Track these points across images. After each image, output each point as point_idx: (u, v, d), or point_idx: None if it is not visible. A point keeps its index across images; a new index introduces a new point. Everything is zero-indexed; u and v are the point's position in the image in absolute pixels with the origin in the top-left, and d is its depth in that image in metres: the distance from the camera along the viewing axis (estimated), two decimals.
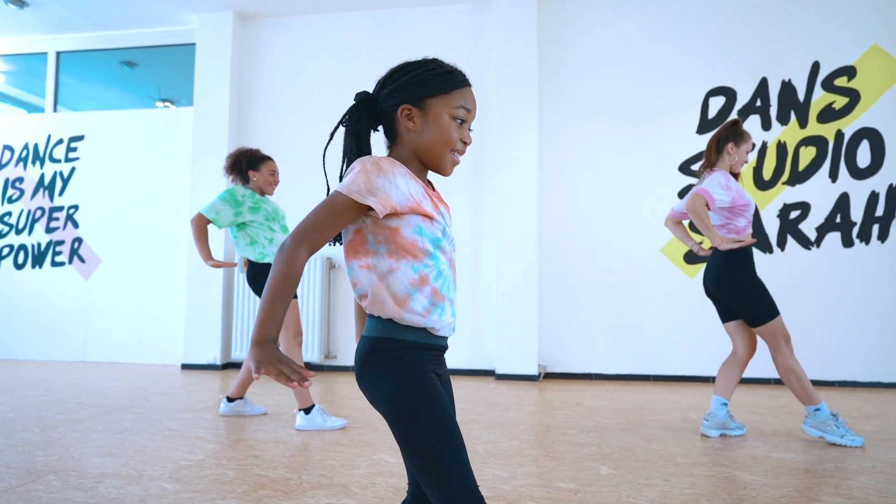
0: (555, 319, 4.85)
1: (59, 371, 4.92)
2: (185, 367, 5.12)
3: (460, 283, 4.96)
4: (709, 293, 3.02)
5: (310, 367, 5.03)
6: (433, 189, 1.21)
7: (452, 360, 4.87)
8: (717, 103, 4.78)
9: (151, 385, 4.26)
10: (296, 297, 3.16)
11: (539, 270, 4.81)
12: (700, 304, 4.30)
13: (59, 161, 5.68)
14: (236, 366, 5.17)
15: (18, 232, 5.70)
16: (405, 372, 1.07)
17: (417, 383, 1.07)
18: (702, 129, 4.75)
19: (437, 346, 1.14)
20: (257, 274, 3.10)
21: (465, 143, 1.17)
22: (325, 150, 1.20)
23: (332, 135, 1.19)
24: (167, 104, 6.09)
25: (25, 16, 5.41)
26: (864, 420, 3.31)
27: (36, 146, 5.74)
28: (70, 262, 5.59)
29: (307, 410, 3.00)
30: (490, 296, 4.90)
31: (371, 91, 1.19)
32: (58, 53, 5.85)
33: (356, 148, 1.16)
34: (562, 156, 4.95)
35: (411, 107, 1.13)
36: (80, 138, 5.66)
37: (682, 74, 4.82)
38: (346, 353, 5.07)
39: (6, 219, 5.74)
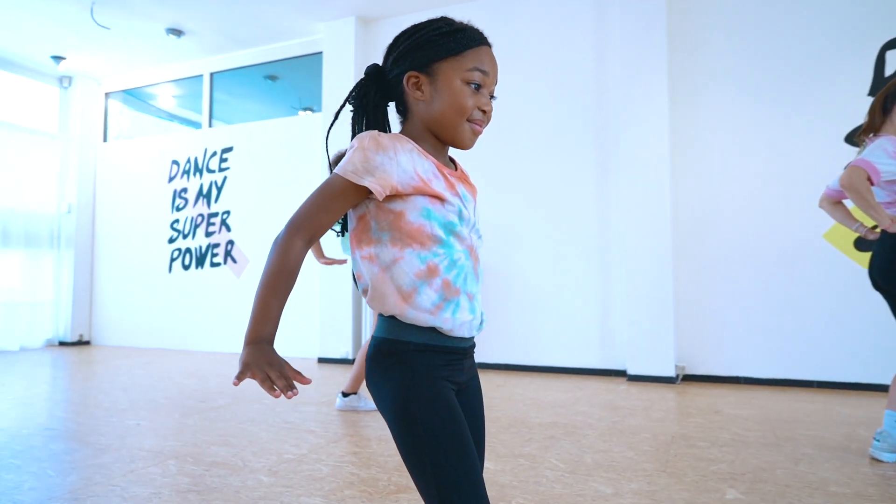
0: (695, 315, 4.37)
1: (215, 362, 5.44)
2: (321, 360, 5.40)
3: (590, 276, 4.67)
4: (876, 284, 2.49)
5: None
6: (455, 168, 1.06)
7: (581, 358, 4.61)
8: None
9: None
10: None
11: (674, 261, 4.36)
12: (876, 298, 3.60)
13: (213, 171, 6.29)
14: None
15: (185, 237, 6.41)
16: (409, 379, 0.94)
17: (421, 392, 0.93)
18: (875, 91, 3.98)
19: (453, 348, 0.99)
20: None
21: (484, 112, 1.01)
22: (327, 134, 1.10)
23: (336, 115, 1.08)
24: (308, 111, 6.47)
25: (183, 44, 6.05)
26: None
27: (196, 159, 6.41)
28: (224, 262, 6.17)
29: None
30: (620, 289, 4.54)
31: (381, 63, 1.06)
32: (211, 74, 6.47)
33: (364, 127, 1.04)
34: (698, 131, 4.43)
35: (418, 73, 0.99)
36: (230, 149, 6.22)
37: (850, 24, 4.08)
38: None
39: (175, 225, 6.48)
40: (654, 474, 2.22)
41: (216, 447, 2.59)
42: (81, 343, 6.83)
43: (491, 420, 3.09)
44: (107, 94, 7.16)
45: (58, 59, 6.39)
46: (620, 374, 4.52)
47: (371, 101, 1.03)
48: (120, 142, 7.06)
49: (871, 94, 3.99)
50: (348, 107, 1.05)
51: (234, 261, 6.12)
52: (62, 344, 6.72)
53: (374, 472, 2.25)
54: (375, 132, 0.95)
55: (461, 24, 1.01)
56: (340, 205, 0.94)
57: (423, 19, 1.04)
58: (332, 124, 1.09)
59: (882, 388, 3.85)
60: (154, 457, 2.45)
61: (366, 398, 3.43)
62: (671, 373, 4.22)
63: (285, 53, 6.08)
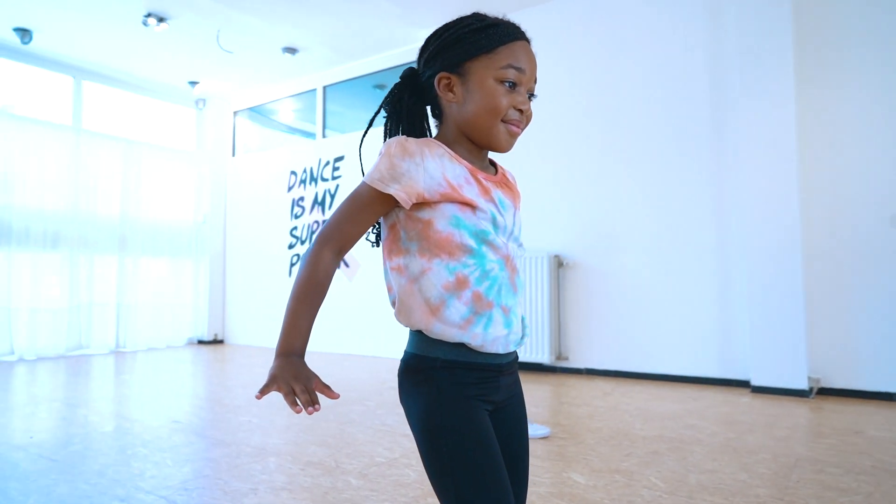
0: (832, 319, 3.89)
1: (327, 362, 5.70)
2: None
3: (707, 276, 4.32)
4: None
5: (540, 368, 4.92)
6: (495, 172, 1.00)
7: (698, 366, 4.28)
8: None
9: (391, 380, 4.63)
10: None
11: (805, 258, 3.91)
12: None
13: (327, 180, 6.61)
14: None
15: (302, 243, 6.79)
16: (436, 398, 0.90)
17: (447, 412, 0.88)
18: None
19: (485, 365, 0.93)
20: None
21: (521, 111, 0.94)
22: (361, 141, 1.08)
23: (370, 122, 1.06)
24: None
25: (297, 61, 6.42)
26: None
27: (311, 169, 6.77)
28: (338, 267, 6.44)
29: None
30: (740, 290, 4.15)
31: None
32: (324, 87, 6.81)
33: (398, 134, 1.01)
34: (831, 115, 3.95)
35: (449, 74, 0.95)
36: (341, 158, 6.50)
37: None
38: (579, 355, 4.82)
39: (294, 232, 6.89)
40: (769, 502, 1.98)
41: (314, 447, 2.69)
42: (216, 342, 7.46)
43: (591, 431, 2.95)
44: (235, 113, 7.78)
45: (193, 83, 7.05)
46: (743, 384, 4.13)
47: (405, 106, 1.00)
48: (246, 155, 7.64)
49: None
50: (383, 112, 1.02)
51: (346, 265, 6.38)
52: (200, 342, 7.39)
53: None
54: (403, 137, 0.92)
55: (494, 19, 0.96)
56: (368, 214, 0.92)
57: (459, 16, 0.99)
58: (366, 132, 1.07)
59: None
60: (258, 453, 2.59)
61: None
62: (803, 385, 3.79)
63: (391, 62, 6.24)
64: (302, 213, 6.83)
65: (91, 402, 3.79)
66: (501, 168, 1.03)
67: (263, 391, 0.84)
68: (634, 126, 4.67)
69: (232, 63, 6.47)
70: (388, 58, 6.27)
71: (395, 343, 5.90)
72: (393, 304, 0.97)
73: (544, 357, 4.80)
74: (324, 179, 6.64)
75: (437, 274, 0.90)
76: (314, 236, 0.93)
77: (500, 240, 0.93)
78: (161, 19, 5.38)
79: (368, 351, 6.13)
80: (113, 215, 6.60)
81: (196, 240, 7.50)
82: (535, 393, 4.00)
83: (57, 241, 6.11)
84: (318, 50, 6.18)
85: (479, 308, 0.90)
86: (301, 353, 0.89)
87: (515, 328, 0.95)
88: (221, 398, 3.89)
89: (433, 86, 0.97)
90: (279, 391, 0.84)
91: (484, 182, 0.94)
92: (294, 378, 0.84)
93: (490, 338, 0.91)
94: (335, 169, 6.54)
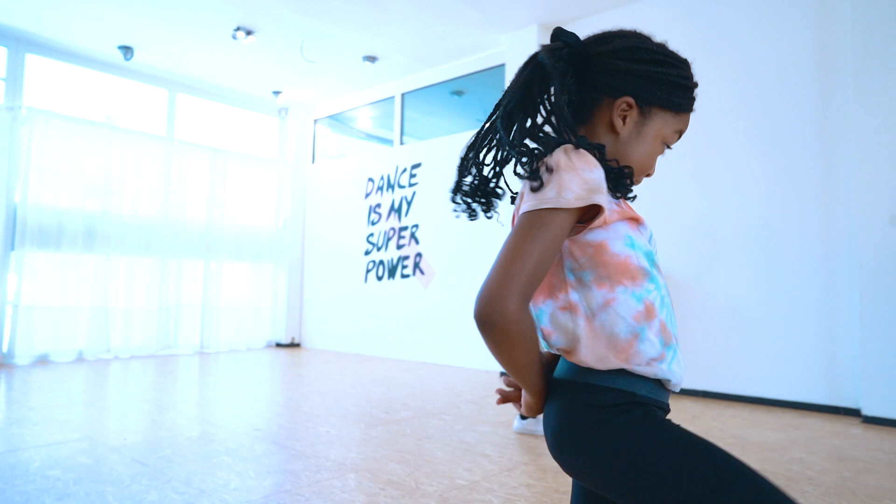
0: None
1: (403, 370, 5.69)
2: (502, 374, 5.35)
3: (811, 290, 3.98)
4: None
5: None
6: None
7: (799, 390, 3.96)
8: None
9: (467, 391, 4.55)
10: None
11: None
12: None
13: (403, 187, 6.62)
14: None
15: (378, 249, 6.84)
16: (642, 418, 0.77)
17: (664, 425, 0.78)
18: None
19: (665, 405, 0.83)
20: None
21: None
22: (515, 161, 0.85)
23: (506, 109, 0.85)
24: None
25: (377, 69, 6.48)
26: None
27: (388, 176, 6.81)
28: (413, 274, 6.45)
29: None
30: (849, 307, 3.79)
31: (571, 40, 0.85)
32: (402, 95, 6.83)
33: (563, 124, 0.81)
34: None
35: (633, 104, 0.85)
36: (419, 165, 6.50)
37: None
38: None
39: (370, 238, 6.95)
40: None
41: (393, 463, 2.64)
42: (293, 345, 7.64)
43: None
44: (315, 121, 7.96)
45: (276, 93, 7.26)
46: (852, 413, 3.76)
47: (568, 90, 0.84)
48: (325, 163, 7.80)
49: None
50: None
51: (422, 272, 6.37)
52: (278, 345, 7.59)
53: None
54: (568, 146, 0.77)
55: (695, 81, 0.90)
56: (558, 246, 0.76)
57: (654, 40, 0.90)
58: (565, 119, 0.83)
59: None
60: (337, 468, 2.57)
61: None
62: None
63: (470, 69, 6.19)
64: (378, 220, 6.88)
65: (178, 405, 3.92)
66: None
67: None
68: (730, 131, 4.38)
69: (314, 73, 6.61)
70: (466, 64, 6.21)
71: (466, 352, 5.82)
72: (562, 351, 0.82)
73: None
74: (401, 186, 6.66)
75: (624, 304, 0.78)
76: (486, 293, 0.72)
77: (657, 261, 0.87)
78: (249, 32, 5.56)
79: (442, 360, 6.07)
80: (200, 221, 6.89)
81: (276, 245, 7.72)
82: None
83: (150, 246, 6.43)
84: (396, 58, 6.21)
85: (667, 340, 0.81)
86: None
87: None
88: (300, 405, 3.93)
89: (601, 92, 0.85)
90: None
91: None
92: None
93: (677, 374, 0.82)
94: (412, 176, 6.55)
